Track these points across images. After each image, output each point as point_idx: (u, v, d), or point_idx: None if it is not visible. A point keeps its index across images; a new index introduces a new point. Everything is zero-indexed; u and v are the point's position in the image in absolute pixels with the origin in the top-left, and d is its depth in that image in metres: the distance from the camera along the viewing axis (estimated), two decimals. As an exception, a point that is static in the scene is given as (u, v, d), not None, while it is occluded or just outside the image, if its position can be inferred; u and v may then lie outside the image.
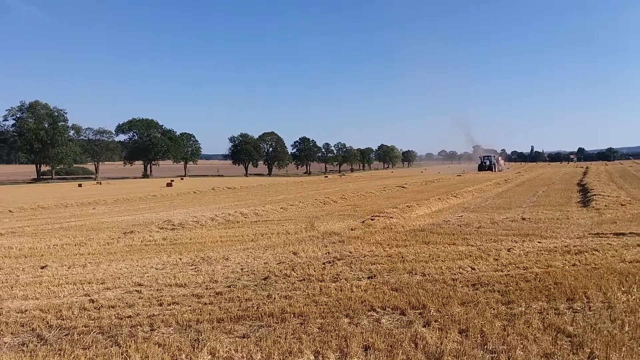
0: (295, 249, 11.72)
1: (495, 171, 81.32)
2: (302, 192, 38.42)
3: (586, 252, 10.30)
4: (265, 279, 8.77)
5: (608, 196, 23.50)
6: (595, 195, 24.25)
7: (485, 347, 5.39)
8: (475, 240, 12.24)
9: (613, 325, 5.95)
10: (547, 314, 6.40)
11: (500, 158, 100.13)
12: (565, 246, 11.08)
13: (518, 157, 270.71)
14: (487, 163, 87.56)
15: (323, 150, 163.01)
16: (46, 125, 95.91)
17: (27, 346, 5.72)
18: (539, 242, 11.74)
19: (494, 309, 6.66)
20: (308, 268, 9.46)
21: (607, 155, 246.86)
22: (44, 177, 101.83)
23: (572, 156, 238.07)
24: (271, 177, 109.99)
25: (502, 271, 8.89)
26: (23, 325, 6.48)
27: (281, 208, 22.86)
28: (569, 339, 5.59)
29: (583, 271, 8.66)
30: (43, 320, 6.64)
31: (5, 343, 5.87)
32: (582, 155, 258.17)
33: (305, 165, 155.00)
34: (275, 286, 8.24)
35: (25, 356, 5.41)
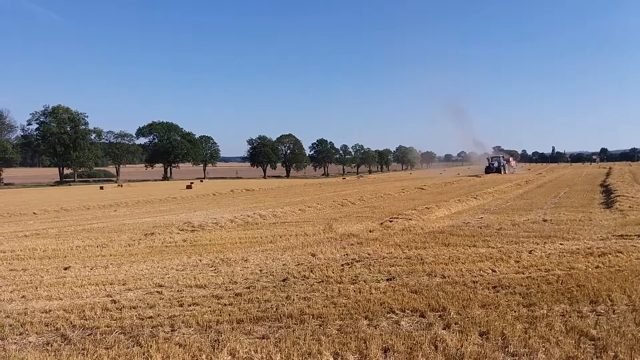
0: (314, 250, 11.73)
1: (504, 173, 73.98)
2: (320, 194, 38.44)
3: (610, 254, 10.11)
4: (284, 280, 8.80)
5: (632, 197, 23.02)
6: (619, 196, 23.77)
7: (507, 349, 5.33)
8: (495, 242, 12.11)
9: (638, 329, 5.83)
10: (570, 317, 6.30)
11: (511, 158, 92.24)
12: (588, 248, 10.90)
13: (539, 158, 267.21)
14: (495, 165, 78.50)
15: (341, 152, 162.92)
16: (68, 129, 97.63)
17: (52, 345, 5.83)
18: (561, 244, 11.57)
19: (515, 312, 6.58)
20: (326, 270, 9.46)
21: (631, 155, 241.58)
22: (67, 180, 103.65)
23: (594, 157, 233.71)
24: (289, 179, 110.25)
25: (523, 273, 8.78)
26: (47, 325, 6.60)
27: (299, 210, 22.90)
28: (593, 342, 5.50)
29: (607, 273, 8.51)
30: (67, 320, 6.76)
31: (30, 342, 5.99)
32: (605, 155, 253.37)
33: (323, 167, 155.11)
34: (294, 287, 8.26)
35: (49, 355, 5.52)
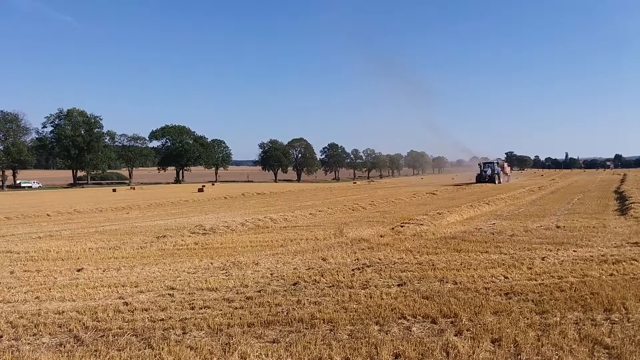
0: (324, 255, 11.72)
1: (499, 182, 62.26)
2: (331, 198, 38.44)
3: (624, 261, 9.99)
4: (294, 284, 8.80)
5: (647, 204, 22.72)
6: (633, 203, 23.49)
7: (519, 357, 5.27)
8: (508, 249, 12.01)
9: (653, 338, 5.74)
10: (584, 325, 6.23)
11: (505, 164, 77.89)
12: (602, 255, 10.78)
13: (552, 164, 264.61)
14: (488, 172, 64.63)
15: (352, 156, 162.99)
16: (82, 132, 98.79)
17: (65, 347, 5.88)
18: (574, 251, 11.44)
19: (527, 319, 6.52)
20: (337, 274, 9.45)
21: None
22: (80, 182, 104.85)
23: (608, 163, 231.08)
24: (300, 183, 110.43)
25: (536, 280, 8.70)
26: (60, 326, 6.66)
27: (310, 214, 22.92)
28: (607, 351, 5.43)
29: (621, 281, 8.41)
30: (79, 321, 6.81)
31: (43, 343, 6.05)
32: (619, 161, 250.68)
33: (333, 171, 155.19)
34: (304, 292, 8.26)
35: (62, 356, 5.56)
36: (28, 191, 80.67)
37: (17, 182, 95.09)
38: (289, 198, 41.46)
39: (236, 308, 7.37)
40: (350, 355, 5.41)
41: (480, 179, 63.82)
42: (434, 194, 38.94)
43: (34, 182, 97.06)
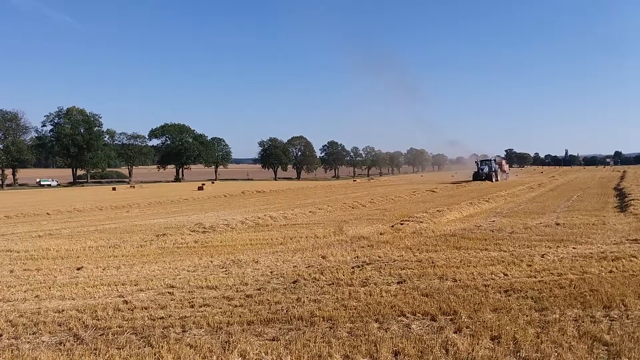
0: (324, 253, 11.73)
1: (496, 180, 60.19)
2: (331, 196, 38.43)
3: (624, 258, 9.99)
4: (294, 282, 8.80)
5: (647, 201, 22.71)
6: (633, 200, 23.50)
7: (518, 354, 5.28)
8: (507, 246, 12.01)
9: (653, 335, 5.75)
10: (583, 322, 6.23)
11: (503, 162, 75.25)
12: (601, 252, 10.78)
13: (552, 161, 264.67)
14: (485, 170, 62.19)
15: (351, 154, 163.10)
16: (82, 130, 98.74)
17: (64, 345, 5.88)
18: (573, 248, 11.45)
19: (527, 316, 6.53)
20: (337, 272, 9.45)
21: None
22: (80, 180, 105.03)
23: (608, 160, 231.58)
24: (300, 181, 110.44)
25: (535, 277, 8.70)
26: (60, 325, 6.66)
27: (310, 212, 22.92)
28: (606, 347, 5.44)
29: (620, 278, 8.41)
30: (79, 320, 6.81)
31: (43, 342, 6.05)
32: (619, 158, 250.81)
33: (333, 169, 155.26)
34: (304, 290, 8.26)
35: (62, 355, 5.56)
36: (27, 189, 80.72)
37: (37, 180, 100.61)
38: (288, 196, 41.46)
39: (236, 306, 7.38)
40: (349, 352, 5.42)
41: (477, 176, 62.13)
42: (433, 191, 38.93)
43: (52, 181, 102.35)
